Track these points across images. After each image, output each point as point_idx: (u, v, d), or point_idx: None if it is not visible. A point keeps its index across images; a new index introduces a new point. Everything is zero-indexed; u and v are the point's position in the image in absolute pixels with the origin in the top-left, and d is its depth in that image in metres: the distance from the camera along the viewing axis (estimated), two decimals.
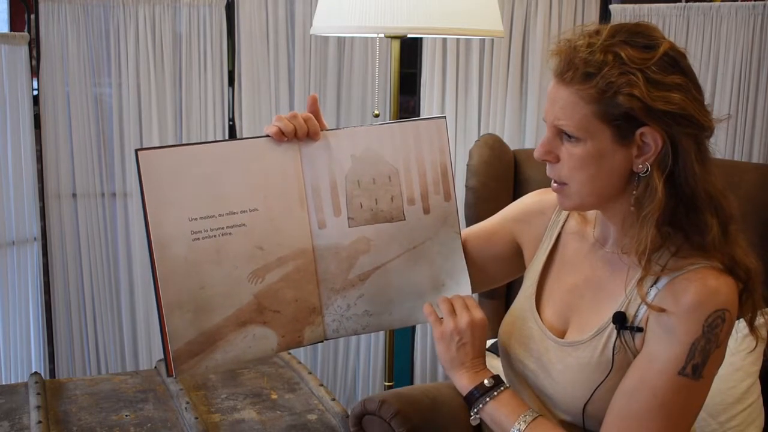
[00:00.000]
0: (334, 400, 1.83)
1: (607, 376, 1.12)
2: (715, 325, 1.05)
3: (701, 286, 1.05)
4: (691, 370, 1.06)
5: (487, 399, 1.18)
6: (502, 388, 1.19)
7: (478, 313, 1.22)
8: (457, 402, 1.49)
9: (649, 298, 1.09)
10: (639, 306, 1.11)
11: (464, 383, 1.21)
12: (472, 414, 1.21)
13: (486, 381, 1.19)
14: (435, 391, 1.63)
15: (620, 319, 1.12)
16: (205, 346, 1.17)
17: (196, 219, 1.16)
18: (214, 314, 1.18)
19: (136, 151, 1.12)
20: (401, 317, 1.33)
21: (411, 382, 2.85)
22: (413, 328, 2.85)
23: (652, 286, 1.09)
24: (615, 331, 1.12)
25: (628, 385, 1.10)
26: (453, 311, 1.23)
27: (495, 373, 1.22)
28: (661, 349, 1.07)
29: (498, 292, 2.19)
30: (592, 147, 1.08)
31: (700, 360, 1.05)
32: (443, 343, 1.22)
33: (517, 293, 1.34)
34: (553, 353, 1.20)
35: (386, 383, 2.28)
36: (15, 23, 3.15)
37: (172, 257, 1.14)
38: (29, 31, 2.49)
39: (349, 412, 1.75)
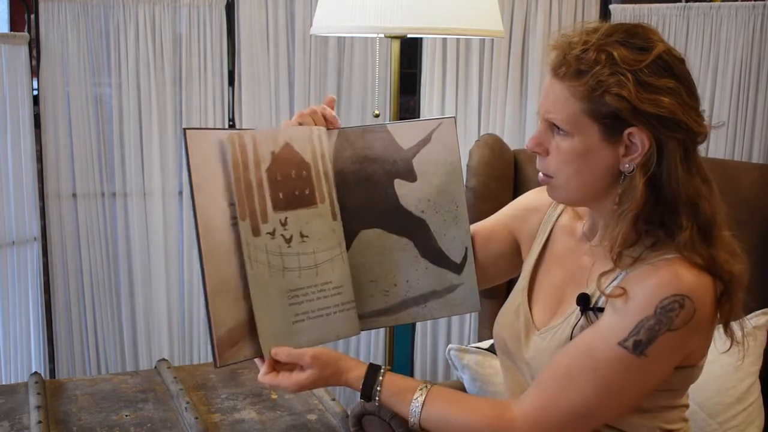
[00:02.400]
0: (334, 400, 1.83)
1: None
2: (671, 309, 1.04)
3: (666, 272, 1.06)
4: (632, 344, 1.06)
5: (377, 399, 1.22)
6: (378, 389, 1.23)
7: (288, 391, 1.21)
8: None
9: (616, 282, 1.09)
10: None
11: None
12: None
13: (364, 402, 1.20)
14: None
15: (584, 301, 1.13)
16: (244, 335, 1.17)
17: (233, 204, 1.16)
18: (250, 302, 1.17)
19: (184, 129, 1.13)
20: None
21: None
22: (413, 328, 2.85)
23: (622, 271, 1.10)
24: (580, 313, 1.14)
25: (570, 346, 1.12)
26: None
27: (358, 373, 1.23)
28: (609, 320, 1.09)
29: (498, 291, 2.18)
30: (580, 142, 1.09)
31: (645, 338, 1.05)
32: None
33: None
34: (533, 344, 1.22)
35: None
36: (15, 23, 3.14)
37: (215, 240, 1.14)
38: (29, 31, 2.49)
39: (349, 412, 1.75)
